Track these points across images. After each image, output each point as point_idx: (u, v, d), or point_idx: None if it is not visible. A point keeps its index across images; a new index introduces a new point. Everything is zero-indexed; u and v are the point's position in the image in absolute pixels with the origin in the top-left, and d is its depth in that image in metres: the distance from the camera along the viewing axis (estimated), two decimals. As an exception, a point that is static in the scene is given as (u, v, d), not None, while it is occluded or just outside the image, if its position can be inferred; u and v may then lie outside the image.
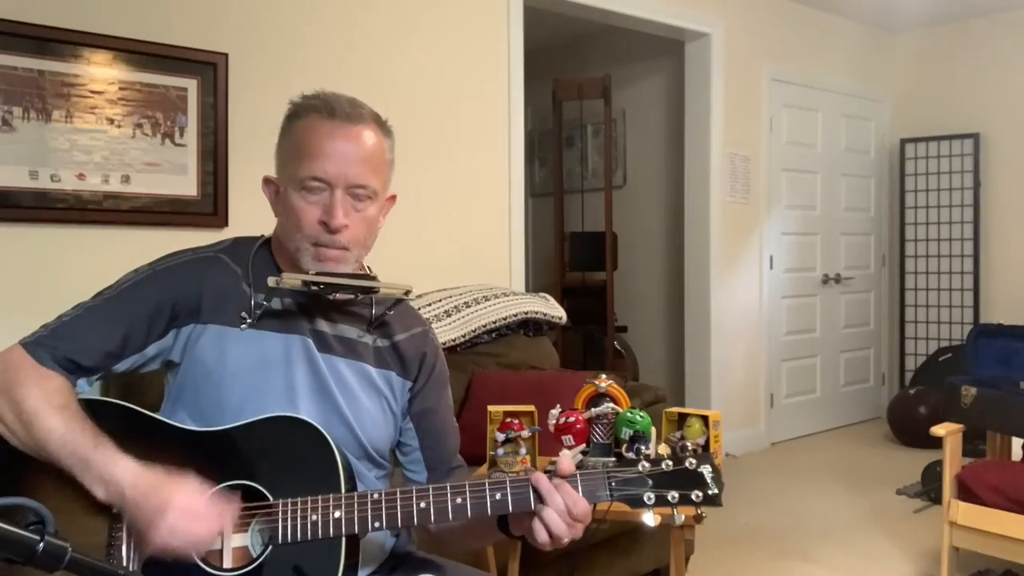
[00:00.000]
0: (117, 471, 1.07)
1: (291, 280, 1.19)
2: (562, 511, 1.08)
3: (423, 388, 1.37)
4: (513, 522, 1.17)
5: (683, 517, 1.11)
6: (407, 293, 1.29)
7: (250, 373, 1.23)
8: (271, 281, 1.19)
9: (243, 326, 1.23)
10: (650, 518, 1.10)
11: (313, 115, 1.23)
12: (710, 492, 1.10)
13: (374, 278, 1.26)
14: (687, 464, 1.11)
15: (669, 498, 1.09)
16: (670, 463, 1.11)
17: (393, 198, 1.35)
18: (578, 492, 1.10)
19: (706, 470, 1.11)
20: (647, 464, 1.11)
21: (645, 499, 1.09)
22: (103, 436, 1.11)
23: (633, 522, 1.14)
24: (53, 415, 1.10)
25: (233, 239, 1.33)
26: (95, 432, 1.11)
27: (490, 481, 1.11)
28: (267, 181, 1.31)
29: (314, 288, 1.20)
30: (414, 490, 1.11)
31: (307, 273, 1.21)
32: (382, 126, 1.28)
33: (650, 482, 1.10)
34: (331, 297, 1.25)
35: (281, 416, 1.18)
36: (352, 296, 1.28)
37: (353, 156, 1.22)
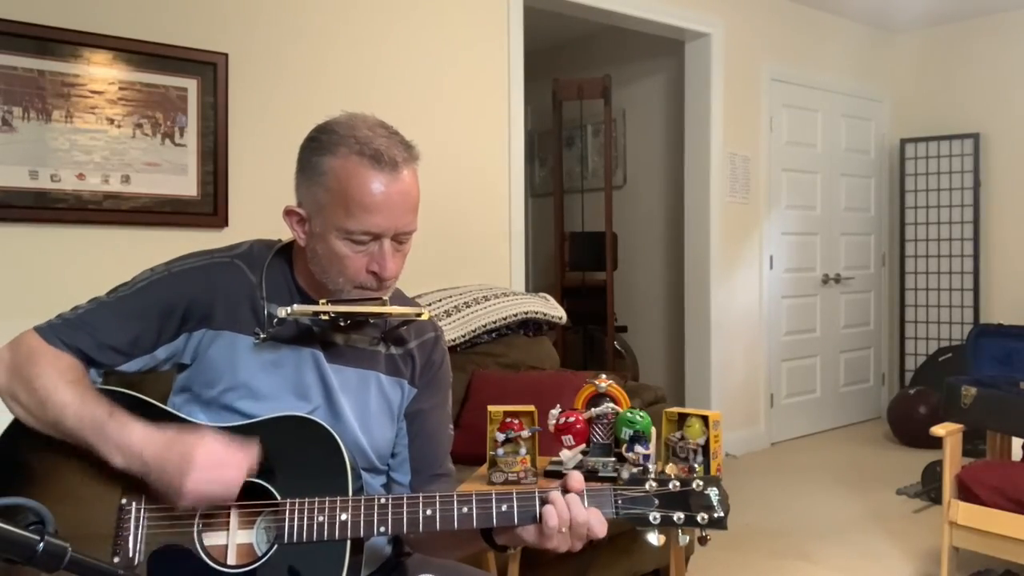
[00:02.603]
0: (133, 437, 1.09)
1: (302, 310, 1.20)
2: (564, 523, 1.08)
3: (422, 390, 1.37)
4: (497, 532, 1.16)
5: (687, 538, 1.11)
6: (418, 315, 1.28)
7: (261, 382, 1.23)
8: (282, 312, 1.19)
9: (256, 340, 1.24)
10: (654, 537, 1.10)
11: (353, 159, 1.16)
12: (716, 515, 1.10)
13: (384, 303, 1.25)
14: (694, 485, 1.11)
15: (675, 519, 1.09)
16: (677, 483, 1.11)
17: None
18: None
19: (712, 492, 1.10)
20: (654, 484, 1.11)
21: (651, 519, 1.09)
22: (116, 405, 1.12)
23: (638, 530, 1.13)
24: (67, 389, 1.12)
25: (250, 244, 1.32)
26: (109, 403, 1.12)
27: (497, 493, 1.11)
28: (290, 213, 1.24)
29: (324, 317, 1.20)
30: (421, 497, 1.11)
31: (319, 303, 1.21)
32: (414, 156, 1.22)
33: (656, 502, 1.10)
34: (341, 323, 1.25)
35: (291, 416, 1.19)
36: (363, 320, 1.28)
37: (402, 208, 1.19)
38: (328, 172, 1.18)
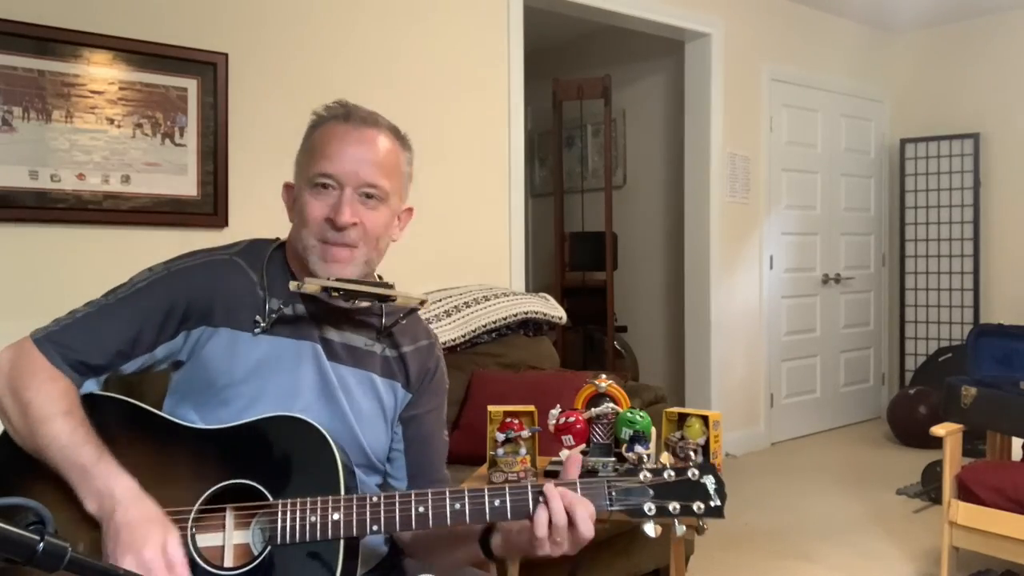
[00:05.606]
0: (118, 489, 1.06)
1: (312, 285, 1.19)
2: (556, 515, 1.07)
3: (418, 396, 1.37)
4: (496, 543, 1.16)
5: (684, 528, 1.09)
6: (422, 303, 1.29)
7: (259, 376, 1.23)
8: (293, 285, 1.19)
9: (256, 331, 1.24)
10: (651, 528, 1.08)
11: (332, 120, 1.26)
12: (712, 504, 1.08)
13: (391, 286, 1.26)
14: (689, 475, 1.09)
15: (670, 509, 1.07)
16: (672, 473, 1.09)
17: (410, 211, 1.36)
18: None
19: (709, 481, 1.09)
20: (648, 474, 1.09)
21: (645, 509, 1.08)
22: (105, 448, 1.10)
23: (634, 522, 1.12)
24: (58, 420, 1.10)
25: (248, 242, 1.32)
26: (98, 443, 1.10)
27: (489, 488, 1.10)
28: (287, 187, 1.32)
29: (334, 294, 1.20)
30: (413, 494, 1.11)
31: (326, 279, 1.21)
32: (400, 138, 1.30)
33: (651, 492, 1.08)
34: (348, 304, 1.25)
35: (282, 416, 1.18)
36: (368, 303, 1.28)
37: (365, 157, 1.23)
38: (312, 138, 1.27)
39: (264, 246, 1.32)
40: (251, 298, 1.25)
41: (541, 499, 1.08)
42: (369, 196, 1.24)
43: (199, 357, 1.23)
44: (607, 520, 1.12)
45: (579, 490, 1.09)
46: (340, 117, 1.25)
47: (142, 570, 1.01)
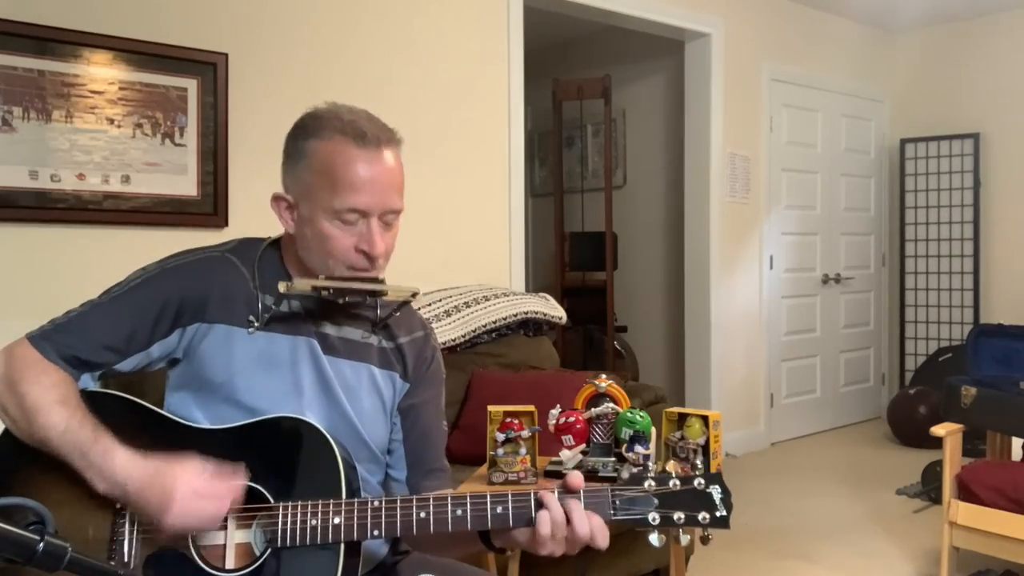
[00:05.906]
0: (116, 464, 1.08)
1: (301, 285, 1.20)
2: (558, 529, 1.07)
3: (416, 385, 1.38)
4: (495, 534, 1.15)
5: (688, 538, 1.08)
6: (414, 295, 1.29)
7: (257, 373, 1.23)
8: (282, 287, 1.19)
9: (250, 329, 1.24)
10: (655, 538, 1.07)
11: (338, 138, 1.20)
12: (718, 514, 1.06)
13: (381, 281, 1.26)
14: (695, 484, 1.08)
15: (674, 519, 1.06)
16: (677, 482, 1.08)
17: None
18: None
19: (715, 490, 1.07)
20: (653, 483, 1.08)
21: (650, 519, 1.06)
22: (102, 429, 1.11)
23: (638, 531, 1.11)
24: (54, 410, 1.11)
25: (240, 240, 1.33)
26: (94, 426, 1.11)
27: (492, 493, 1.10)
28: (277, 199, 1.27)
29: (324, 293, 1.20)
30: (414, 499, 1.10)
31: (316, 278, 1.22)
32: (398, 144, 1.26)
33: (655, 502, 1.07)
34: (340, 301, 1.25)
35: (283, 417, 1.18)
36: (360, 299, 1.28)
37: (387, 185, 1.21)
38: (314, 154, 1.21)
39: (255, 244, 1.32)
40: (245, 294, 1.26)
41: (542, 504, 1.07)
42: (389, 219, 1.24)
43: (196, 354, 1.24)
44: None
45: (583, 499, 1.08)
46: (348, 135, 1.19)
47: (189, 517, 1.05)
